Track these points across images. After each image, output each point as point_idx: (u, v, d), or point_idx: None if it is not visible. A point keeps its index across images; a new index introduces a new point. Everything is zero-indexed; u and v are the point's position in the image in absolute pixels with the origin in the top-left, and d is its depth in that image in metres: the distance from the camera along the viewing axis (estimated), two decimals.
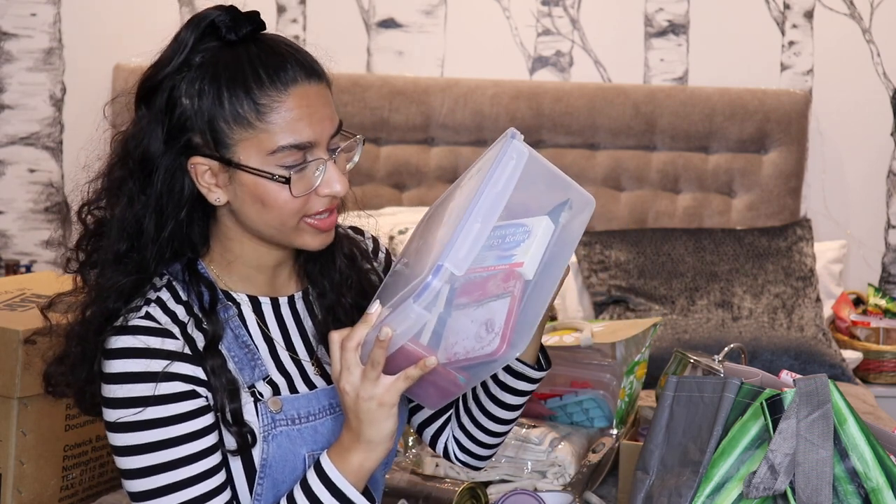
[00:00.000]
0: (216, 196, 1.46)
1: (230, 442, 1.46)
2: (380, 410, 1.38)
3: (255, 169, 1.42)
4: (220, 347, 1.47)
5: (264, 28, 1.48)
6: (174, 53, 1.44)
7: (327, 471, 1.43)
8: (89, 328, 1.46)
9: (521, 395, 1.64)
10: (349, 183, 1.51)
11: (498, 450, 1.73)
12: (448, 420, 1.71)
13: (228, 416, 1.44)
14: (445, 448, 1.72)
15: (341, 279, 1.58)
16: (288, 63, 1.43)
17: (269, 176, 1.42)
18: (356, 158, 1.52)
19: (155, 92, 1.45)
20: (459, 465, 1.73)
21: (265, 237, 1.49)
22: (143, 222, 1.45)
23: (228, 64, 1.42)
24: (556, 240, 1.42)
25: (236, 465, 1.47)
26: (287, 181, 1.42)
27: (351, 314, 1.57)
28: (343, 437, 1.43)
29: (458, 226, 1.34)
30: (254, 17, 1.46)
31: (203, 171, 1.45)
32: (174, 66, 1.43)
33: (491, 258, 1.40)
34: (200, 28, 1.44)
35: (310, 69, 1.45)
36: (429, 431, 1.73)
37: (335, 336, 1.41)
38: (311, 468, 1.45)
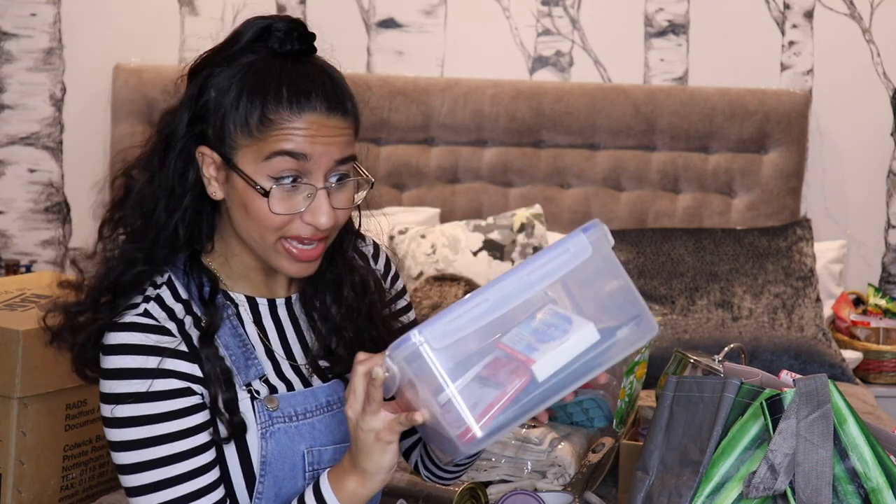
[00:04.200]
0: (213, 189, 1.47)
1: (223, 431, 1.46)
2: (376, 445, 1.37)
3: (245, 175, 1.43)
4: (217, 344, 1.47)
5: (313, 52, 1.47)
6: (228, 46, 1.46)
7: (323, 491, 1.43)
8: (93, 293, 1.48)
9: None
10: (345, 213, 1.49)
11: (464, 472, 1.73)
12: (420, 439, 1.71)
13: (221, 405, 1.45)
14: (416, 463, 1.74)
15: (348, 311, 1.58)
16: (314, 91, 1.42)
17: (253, 184, 1.42)
18: (358, 200, 1.50)
19: (199, 72, 1.47)
20: (428, 480, 1.75)
21: (248, 245, 1.49)
22: (157, 202, 1.47)
23: (260, 72, 1.43)
24: (598, 353, 1.33)
25: (233, 463, 1.48)
26: (266, 194, 1.41)
27: (355, 339, 1.57)
28: (344, 459, 1.43)
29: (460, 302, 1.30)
30: (306, 38, 1.46)
31: (209, 163, 1.46)
32: (221, 57, 1.45)
33: (524, 343, 1.33)
34: (257, 30, 1.45)
35: (335, 102, 1.43)
36: (404, 444, 1.73)
37: (360, 356, 1.38)
38: (310, 486, 1.45)
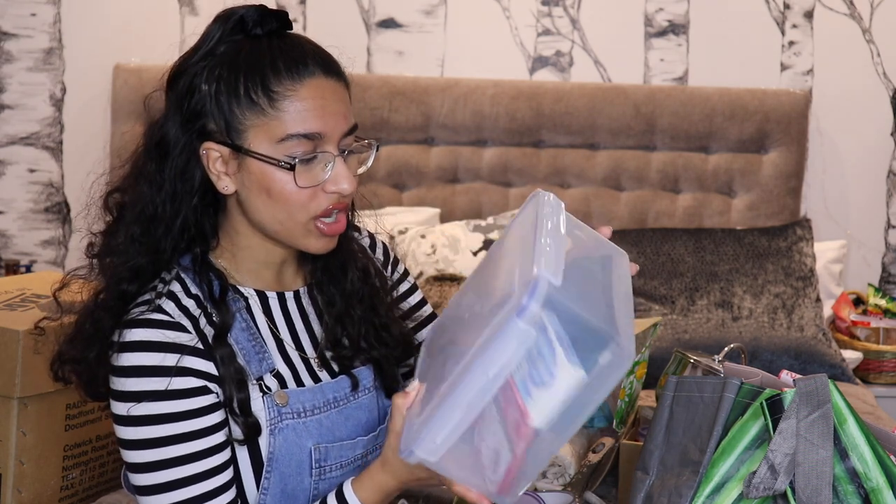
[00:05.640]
0: (224, 184, 1.47)
1: (237, 432, 1.46)
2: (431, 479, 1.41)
3: (262, 155, 1.43)
4: (229, 339, 1.48)
5: (290, 27, 1.50)
6: (201, 45, 1.48)
7: (345, 492, 1.45)
8: (103, 308, 1.47)
9: None
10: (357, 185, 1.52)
11: None
12: None
13: (236, 407, 1.45)
14: None
15: (352, 289, 1.59)
16: (307, 57, 1.45)
17: (275, 162, 1.43)
18: (369, 163, 1.52)
19: (179, 78, 1.48)
20: None
21: (270, 233, 1.49)
22: (158, 206, 1.47)
23: (249, 54, 1.45)
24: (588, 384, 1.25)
25: (243, 457, 1.48)
26: (292, 168, 1.42)
27: (359, 326, 1.59)
28: (386, 480, 1.43)
29: (532, 245, 1.24)
30: (281, 15, 1.49)
31: (215, 158, 1.46)
32: (199, 56, 1.47)
33: (519, 377, 1.25)
34: (229, 23, 1.47)
35: (328, 66, 1.47)
36: None
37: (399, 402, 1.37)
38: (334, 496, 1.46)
